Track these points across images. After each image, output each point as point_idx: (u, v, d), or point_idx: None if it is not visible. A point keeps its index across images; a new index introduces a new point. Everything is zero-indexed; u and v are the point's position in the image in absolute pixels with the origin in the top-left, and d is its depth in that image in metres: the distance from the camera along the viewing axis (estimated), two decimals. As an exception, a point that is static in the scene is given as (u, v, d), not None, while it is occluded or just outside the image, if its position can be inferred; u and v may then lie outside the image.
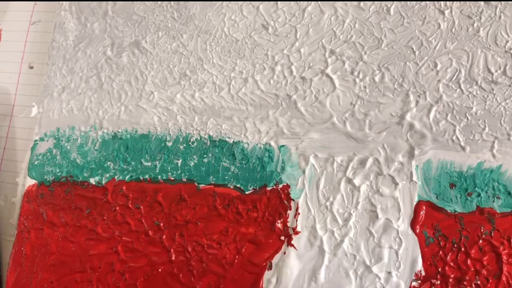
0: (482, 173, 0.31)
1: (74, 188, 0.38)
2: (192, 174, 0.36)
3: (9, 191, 0.40)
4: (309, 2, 0.36)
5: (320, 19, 0.36)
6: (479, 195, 0.31)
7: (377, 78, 0.34)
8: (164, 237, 0.35)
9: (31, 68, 0.43)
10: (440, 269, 0.31)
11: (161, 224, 0.36)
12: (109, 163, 0.38)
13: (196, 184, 0.36)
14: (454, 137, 0.32)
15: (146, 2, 0.40)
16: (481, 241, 0.31)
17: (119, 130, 0.39)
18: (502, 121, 0.32)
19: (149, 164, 0.37)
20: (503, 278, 0.30)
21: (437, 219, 0.32)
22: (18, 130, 0.42)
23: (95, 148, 0.39)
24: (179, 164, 0.37)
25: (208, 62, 0.38)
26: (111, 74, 0.40)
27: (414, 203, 0.32)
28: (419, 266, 0.31)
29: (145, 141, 0.38)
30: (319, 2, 0.36)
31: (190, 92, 0.38)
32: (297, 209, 0.34)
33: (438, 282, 0.31)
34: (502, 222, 0.31)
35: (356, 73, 0.35)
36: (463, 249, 0.31)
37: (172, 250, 0.35)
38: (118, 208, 0.37)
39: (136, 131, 0.38)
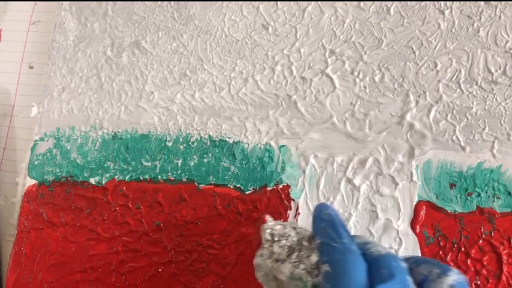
0: (482, 173, 0.31)
1: (74, 188, 0.38)
2: (192, 174, 0.36)
3: (9, 191, 0.40)
4: (309, 2, 0.36)
5: (320, 19, 0.36)
6: (479, 195, 0.31)
7: (377, 78, 0.34)
8: (164, 237, 0.35)
9: (31, 68, 0.43)
10: (440, 269, 0.31)
11: (162, 224, 0.36)
12: (109, 163, 0.38)
13: (196, 184, 0.36)
14: (454, 137, 0.32)
15: (146, 2, 0.40)
16: (481, 241, 0.31)
17: (119, 130, 0.39)
18: (502, 121, 0.32)
19: (149, 164, 0.37)
20: (503, 278, 0.30)
21: (437, 219, 0.32)
22: (18, 130, 0.42)
23: (95, 148, 0.39)
24: (179, 164, 0.37)
25: (208, 62, 0.38)
26: (111, 74, 0.40)
27: (414, 203, 0.32)
28: (419, 266, 0.31)
29: (145, 141, 0.38)
30: (319, 2, 0.36)
31: (190, 92, 0.38)
32: (297, 209, 0.34)
33: (439, 282, 0.31)
34: (502, 222, 0.31)
35: (356, 73, 0.35)
36: (463, 249, 0.31)
37: (172, 250, 0.35)
38: (118, 208, 0.37)
39: (136, 131, 0.38)
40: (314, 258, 0.24)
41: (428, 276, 0.22)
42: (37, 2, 0.44)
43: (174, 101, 0.38)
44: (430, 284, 0.21)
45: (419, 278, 0.22)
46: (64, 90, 0.41)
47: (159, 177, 0.37)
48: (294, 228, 0.27)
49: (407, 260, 0.24)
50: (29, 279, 0.37)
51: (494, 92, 0.32)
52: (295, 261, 0.25)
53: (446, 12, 0.34)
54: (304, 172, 0.34)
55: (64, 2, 0.43)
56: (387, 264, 0.22)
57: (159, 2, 0.40)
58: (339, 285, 0.21)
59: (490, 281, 0.30)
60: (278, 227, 0.27)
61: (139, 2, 0.41)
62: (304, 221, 0.33)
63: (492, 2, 0.33)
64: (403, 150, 0.33)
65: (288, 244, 0.26)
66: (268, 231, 0.27)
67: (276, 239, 0.27)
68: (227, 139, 0.36)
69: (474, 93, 0.32)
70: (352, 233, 0.32)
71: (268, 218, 0.28)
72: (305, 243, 0.26)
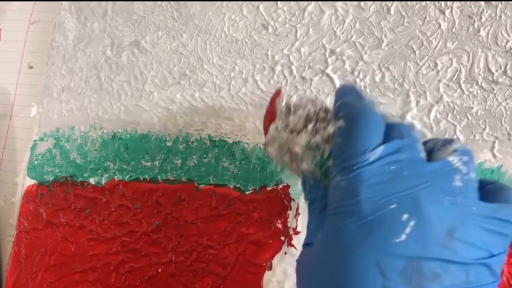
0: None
1: (74, 188, 0.38)
2: (192, 174, 0.36)
3: (9, 191, 0.40)
4: (309, 1, 0.36)
5: (320, 19, 0.36)
6: (479, 195, 0.31)
7: (377, 78, 0.34)
8: (164, 237, 0.35)
9: (31, 67, 0.43)
10: (440, 269, 0.31)
11: (161, 224, 0.36)
12: (108, 163, 0.38)
13: (196, 184, 0.36)
14: (455, 137, 0.32)
15: (146, 1, 0.40)
16: (481, 241, 0.31)
17: (119, 130, 0.39)
18: (502, 121, 0.32)
19: (148, 164, 0.37)
20: (504, 278, 0.30)
21: (438, 219, 0.32)
22: (18, 130, 0.42)
23: (95, 148, 0.39)
24: (179, 164, 0.37)
25: (208, 62, 0.38)
26: (111, 74, 0.40)
27: (415, 203, 0.32)
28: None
29: (144, 141, 0.38)
30: (319, 2, 0.36)
31: (190, 92, 0.38)
32: (297, 209, 0.34)
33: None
34: (503, 222, 0.31)
35: (356, 73, 0.35)
36: (463, 249, 0.31)
37: (172, 250, 0.35)
38: (117, 208, 0.37)
39: (136, 131, 0.38)
40: (331, 128, 0.23)
41: (434, 147, 0.22)
42: (37, 2, 0.44)
43: (174, 101, 0.38)
44: (437, 152, 0.21)
45: (426, 151, 0.22)
46: (64, 90, 0.40)
47: (159, 177, 0.37)
48: (312, 100, 0.25)
49: None
50: (29, 279, 0.37)
51: (495, 92, 0.32)
52: (311, 132, 0.24)
53: (447, 12, 0.34)
54: (304, 172, 0.34)
55: (64, 2, 0.42)
56: (399, 128, 0.21)
57: (159, 2, 0.40)
58: (350, 141, 0.20)
59: (491, 281, 0.30)
60: (295, 98, 0.26)
61: (138, 1, 0.40)
62: (305, 222, 0.33)
63: (492, 2, 0.33)
64: (403, 150, 0.33)
65: (305, 115, 0.24)
66: (284, 102, 0.26)
67: (292, 109, 0.25)
68: (227, 139, 0.36)
69: (474, 93, 0.32)
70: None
71: (284, 90, 0.27)
72: (322, 113, 0.24)
